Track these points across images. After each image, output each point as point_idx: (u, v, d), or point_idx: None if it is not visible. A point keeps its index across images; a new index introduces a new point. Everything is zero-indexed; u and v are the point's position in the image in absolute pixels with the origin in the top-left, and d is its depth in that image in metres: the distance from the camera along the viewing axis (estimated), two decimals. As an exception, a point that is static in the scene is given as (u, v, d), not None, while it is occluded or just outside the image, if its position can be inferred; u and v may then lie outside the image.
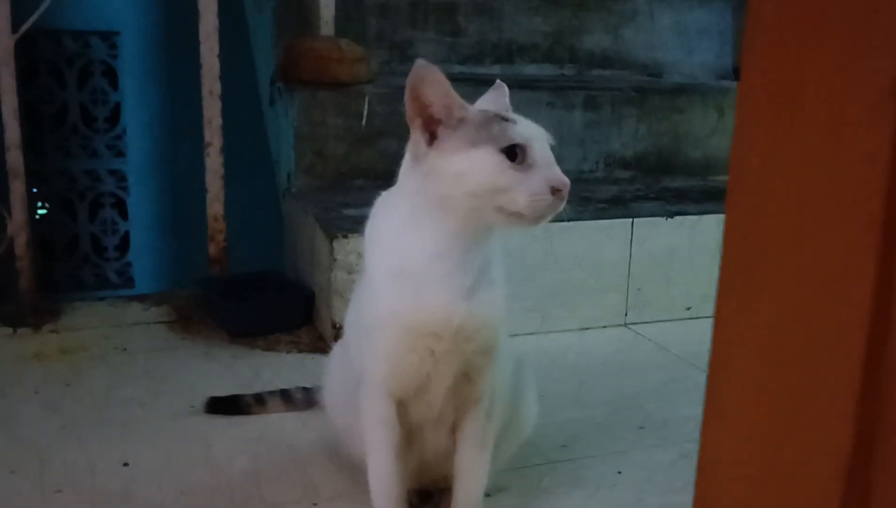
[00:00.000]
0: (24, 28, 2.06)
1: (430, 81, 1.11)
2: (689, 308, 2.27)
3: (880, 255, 0.45)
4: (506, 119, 1.13)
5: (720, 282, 0.53)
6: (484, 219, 1.11)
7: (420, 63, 1.10)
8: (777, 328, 0.50)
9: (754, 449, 0.52)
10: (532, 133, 1.12)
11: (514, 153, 1.09)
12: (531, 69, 2.90)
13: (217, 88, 2.25)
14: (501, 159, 1.09)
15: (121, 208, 4.22)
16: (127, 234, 4.24)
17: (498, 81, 1.26)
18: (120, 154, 4.17)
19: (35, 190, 3.97)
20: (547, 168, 1.10)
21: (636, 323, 2.25)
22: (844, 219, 0.46)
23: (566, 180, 1.09)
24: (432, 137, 1.12)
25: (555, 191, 1.08)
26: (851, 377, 0.46)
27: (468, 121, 1.12)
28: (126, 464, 1.49)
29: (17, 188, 2.09)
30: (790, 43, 0.47)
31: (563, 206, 1.10)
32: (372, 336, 1.19)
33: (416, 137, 1.13)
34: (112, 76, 4.10)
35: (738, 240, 0.52)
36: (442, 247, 1.13)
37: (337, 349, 1.44)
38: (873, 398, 0.45)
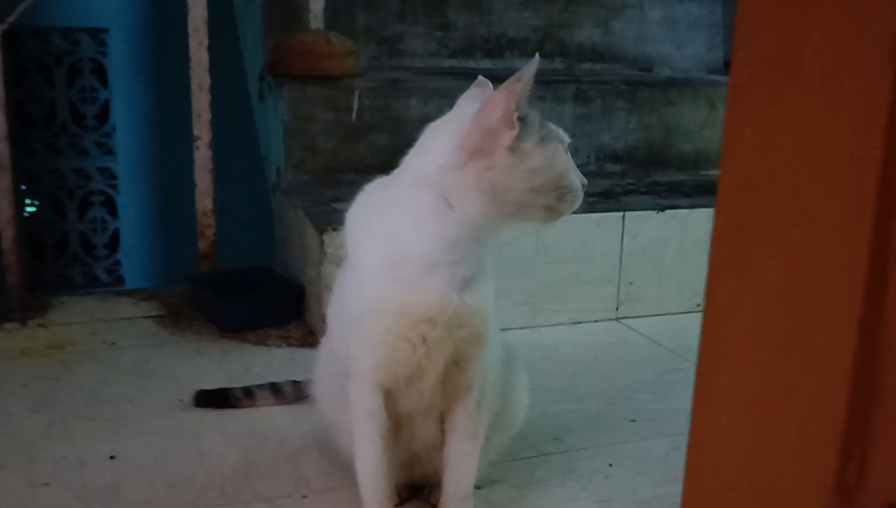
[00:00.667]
0: (10, 19, 2.04)
1: (532, 78, 1.11)
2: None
3: (877, 225, 0.44)
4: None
5: (711, 258, 0.52)
6: (527, 214, 1.14)
7: (537, 59, 1.11)
8: (771, 303, 0.49)
9: (748, 428, 0.51)
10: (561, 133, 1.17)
11: None
12: (521, 63, 2.88)
13: (206, 81, 2.23)
14: (568, 157, 1.14)
15: (110, 206, 4.20)
16: (117, 232, 4.22)
17: (480, 77, 1.25)
18: (109, 152, 4.15)
19: (24, 187, 3.95)
20: (576, 169, 1.16)
21: (628, 317, 2.24)
22: (841, 189, 0.45)
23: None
24: None
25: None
26: (846, 352, 0.45)
27: (531, 117, 1.12)
28: (113, 457, 1.48)
29: (4, 181, 2.07)
30: (786, 7, 0.46)
31: None
32: (360, 326, 1.18)
33: (500, 131, 1.10)
34: (101, 73, 4.08)
35: (731, 213, 0.51)
36: (458, 238, 1.13)
37: (325, 342, 1.43)
38: (868, 372, 0.45)
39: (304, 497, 1.38)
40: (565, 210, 1.15)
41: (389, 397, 1.21)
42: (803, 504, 0.47)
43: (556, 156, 1.12)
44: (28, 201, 4.03)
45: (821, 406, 0.46)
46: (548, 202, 1.13)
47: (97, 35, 4.03)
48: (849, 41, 0.44)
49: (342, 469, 1.41)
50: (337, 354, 1.28)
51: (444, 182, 1.13)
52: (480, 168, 1.11)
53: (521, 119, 1.10)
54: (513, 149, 1.10)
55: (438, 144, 1.16)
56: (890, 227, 0.43)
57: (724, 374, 0.52)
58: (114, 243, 4.23)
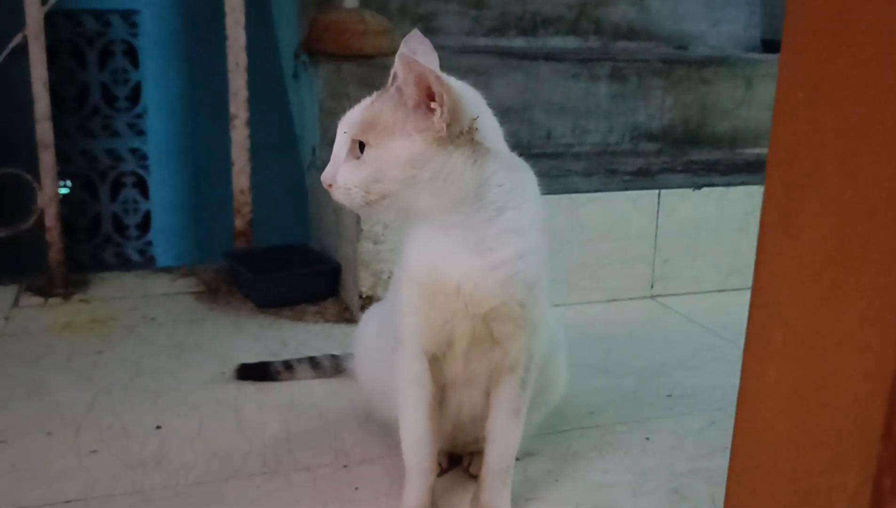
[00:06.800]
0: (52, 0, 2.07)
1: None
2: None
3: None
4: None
5: (763, 215, 0.53)
6: None
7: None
8: (821, 258, 0.50)
9: (795, 379, 0.52)
10: (343, 120, 1.15)
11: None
12: (556, 41, 2.89)
13: (243, 59, 2.25)
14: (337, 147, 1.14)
15: (142, 187, 4.24)
16: (148, 213, 4.26)
17: (415, 30, 1.22)
18: (141, 133, 4.19)
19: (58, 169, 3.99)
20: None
21: (663, 295, 2.25)
22: (891, 149, 0.46)
23: (325, 177, 1.12)
24: None
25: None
26: (894, 303, 0.46)
27: None
28: (159, 427, 1.51)
29: (47, 160, 2.10)
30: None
31: (350, 198, 1.10)
32: (402, 291, 1.19)
33: None
34: (133, 55, 4.12)
35: (781, 173, 0.52)
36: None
37: (373, 309, 1.45)
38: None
39: (345, 466, 1.40)
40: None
41: (436, 364, 1.22)
42: (851, 453, 0.48)
43: None
44: (61, 183, 4.08)
45: (869, 357, 0.47)
46: None
47: (129, 17, 4.07)
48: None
49: (382, 440, 1.43)
50: (391, 320, 1.28)
51: None
52: None
53: None
54: None
55: None
56: (943, 183, 0.44)
57: (773, 327, 0.53)
58: (145, 223, 4.27)
